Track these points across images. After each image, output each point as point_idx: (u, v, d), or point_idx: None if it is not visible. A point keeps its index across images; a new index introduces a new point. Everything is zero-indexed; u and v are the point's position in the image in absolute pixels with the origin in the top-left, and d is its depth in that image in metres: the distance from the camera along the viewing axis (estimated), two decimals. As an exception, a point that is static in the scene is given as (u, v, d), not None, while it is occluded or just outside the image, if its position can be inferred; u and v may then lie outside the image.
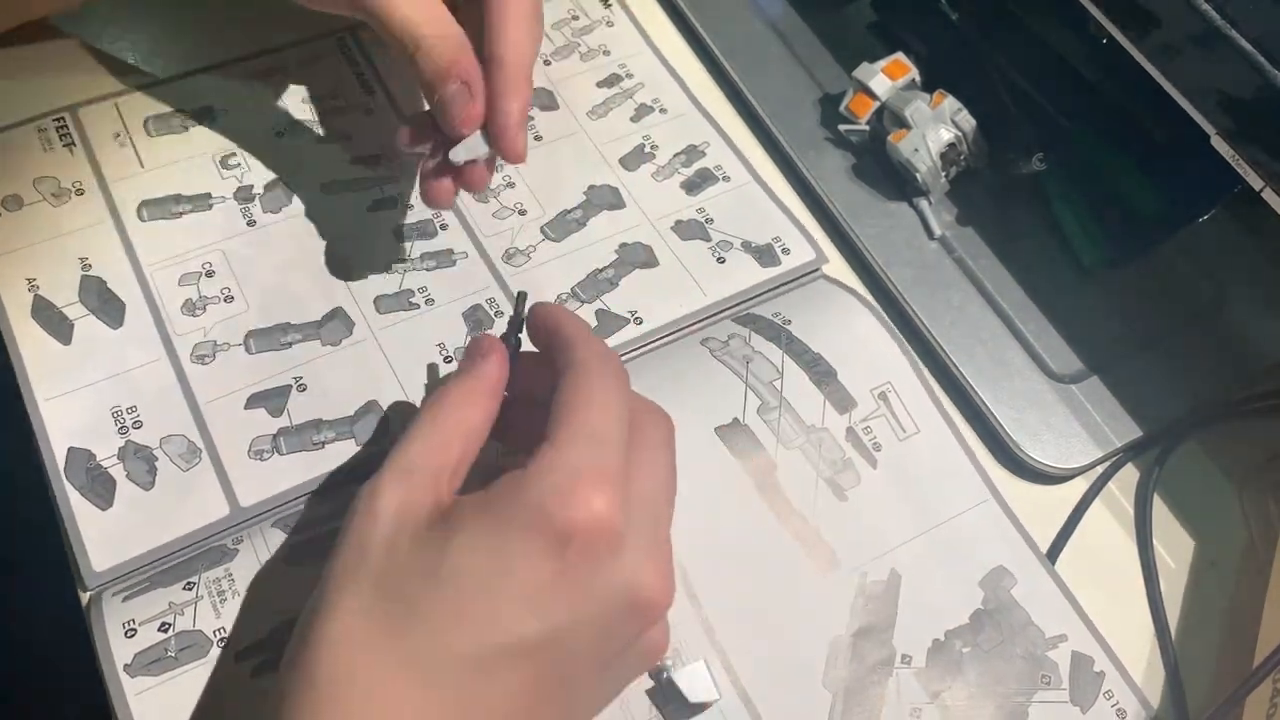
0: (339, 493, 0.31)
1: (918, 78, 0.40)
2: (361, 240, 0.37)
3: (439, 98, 0.30)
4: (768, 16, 0.45)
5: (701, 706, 0.29)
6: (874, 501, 0.33)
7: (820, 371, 0.34)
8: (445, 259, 0.37)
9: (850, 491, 0.33)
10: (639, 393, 0.28)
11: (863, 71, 0.40)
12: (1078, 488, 0.35)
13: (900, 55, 0.40)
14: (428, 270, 0.37)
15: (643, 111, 0.41)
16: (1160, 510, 0.35)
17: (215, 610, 0.28)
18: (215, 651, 0.28)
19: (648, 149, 0.40)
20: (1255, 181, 0.31)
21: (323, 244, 0.37)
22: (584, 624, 0.23)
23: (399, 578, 0.24)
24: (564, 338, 0.27)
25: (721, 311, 0.37)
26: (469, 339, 0.35)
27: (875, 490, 0.33)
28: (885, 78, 0.40)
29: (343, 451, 0.32)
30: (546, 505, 0.23)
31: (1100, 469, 0.36)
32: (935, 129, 0.39)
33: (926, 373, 0.36)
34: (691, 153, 0.41)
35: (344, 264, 0.36)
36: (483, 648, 0.23)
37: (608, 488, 0.23)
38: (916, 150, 0.39)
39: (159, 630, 0.28)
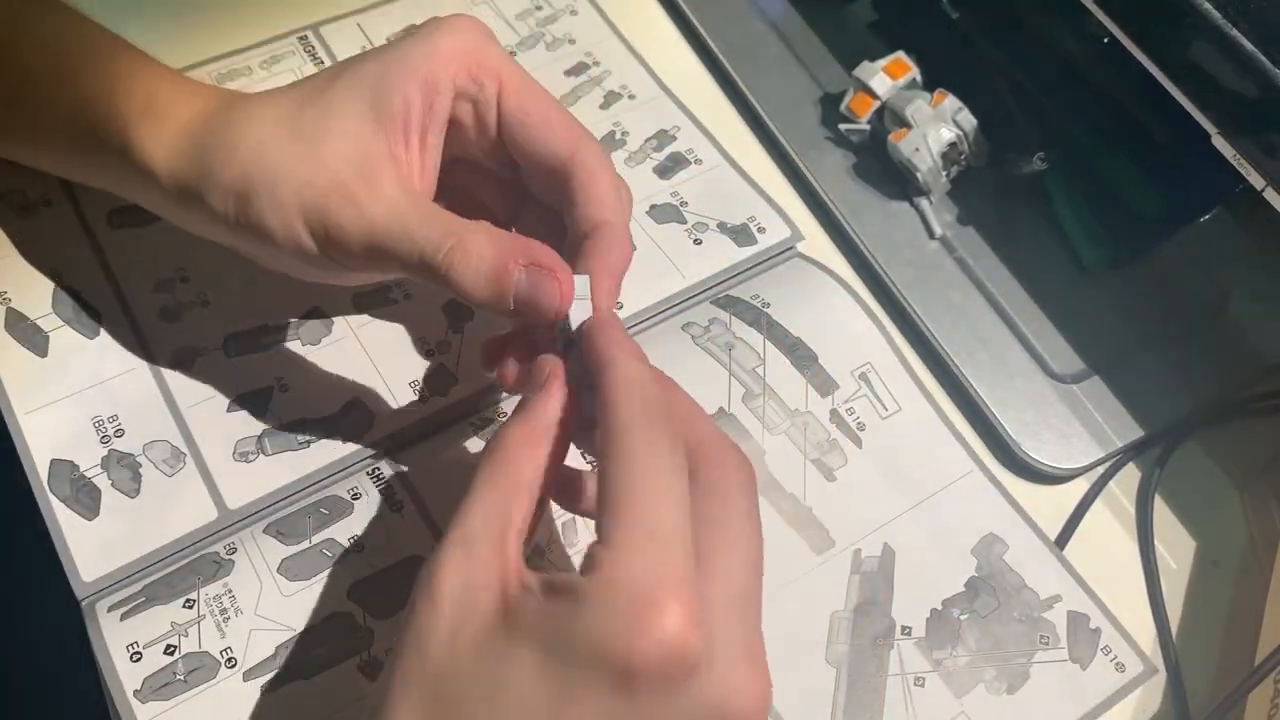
0: (326, 493, 0.31)
1: (918, 77, 0.40)
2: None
3: (518, 294, 0.26)
4: (768, 16, 0.44)
5: None
6: (862, 480, 0.33)
7: (801, 356, 0.35)
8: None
9: (838, 472, 0.33)
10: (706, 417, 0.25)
11: (863, 70, 0.40)
12: (1079, 488, 0.35)
13: (901, 54, 0.40)
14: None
15: (612, 98, 0.41)
16: (1161, 510, 0.35)
17: (219, 630, 0.28)
18: (224, 672, 0.28)
19: (619, 135, 0.40)
20: (1257, 181, 0.32)
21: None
22: None
23: (458, 688, 0.21)
24: (602, 394, 0.23)
25: (701, 293, 0.37)
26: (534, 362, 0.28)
27: (863, 469, 0.34)
28: (886, 77, 0.40)
29: (328, 450, 0.32)
30: (608, 639, 0.20)
31: (1101, 469, 0.36)
32: (936, 128, 0.39)
33: (905, 351, 0.37)
34: (662, 137, 0.40)
35: None
36: None
37: (678, 602, 0.20)
38: (917, 149, 0.39)
39: (165, 653, 0.28)
